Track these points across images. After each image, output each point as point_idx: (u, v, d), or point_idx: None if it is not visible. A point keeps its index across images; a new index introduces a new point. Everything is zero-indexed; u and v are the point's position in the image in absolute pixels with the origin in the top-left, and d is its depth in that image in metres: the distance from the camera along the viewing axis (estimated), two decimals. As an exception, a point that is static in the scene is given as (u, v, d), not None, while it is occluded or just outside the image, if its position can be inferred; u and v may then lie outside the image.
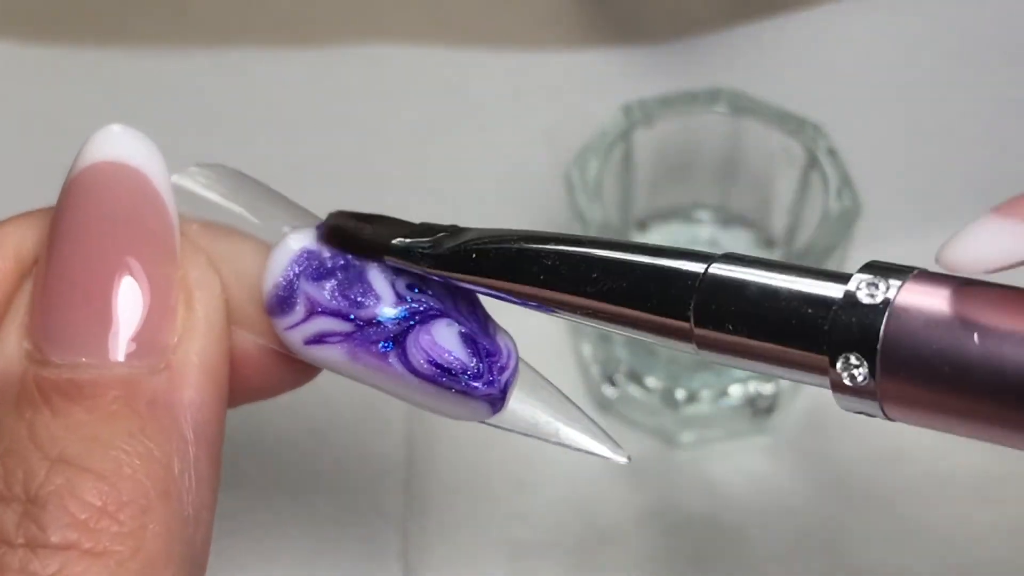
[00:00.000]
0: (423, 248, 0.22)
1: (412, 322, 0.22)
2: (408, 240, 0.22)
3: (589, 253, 0.21)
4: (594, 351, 0.37)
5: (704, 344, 0.20)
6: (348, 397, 0.37)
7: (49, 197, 0.43)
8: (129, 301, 0.20)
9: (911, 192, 0.42)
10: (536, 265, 0.21)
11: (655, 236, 0.39)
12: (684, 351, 0.20)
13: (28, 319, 0.20)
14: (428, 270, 0.22)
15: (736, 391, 0.36)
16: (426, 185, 0.43)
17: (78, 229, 0.20)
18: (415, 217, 0.41)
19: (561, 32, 0.46)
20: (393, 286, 0.22)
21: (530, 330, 0.39)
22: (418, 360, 0.22)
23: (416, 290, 0.22)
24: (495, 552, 0.35)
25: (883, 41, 0.45)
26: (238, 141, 0.44)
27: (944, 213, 0.41)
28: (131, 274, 0.20)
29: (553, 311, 0.21)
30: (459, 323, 0.22)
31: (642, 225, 0.39)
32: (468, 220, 0.41)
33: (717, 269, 0.20)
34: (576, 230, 0.34)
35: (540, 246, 0.21)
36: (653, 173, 0.37)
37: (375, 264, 0.22)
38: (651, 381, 0.36)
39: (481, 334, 0.22)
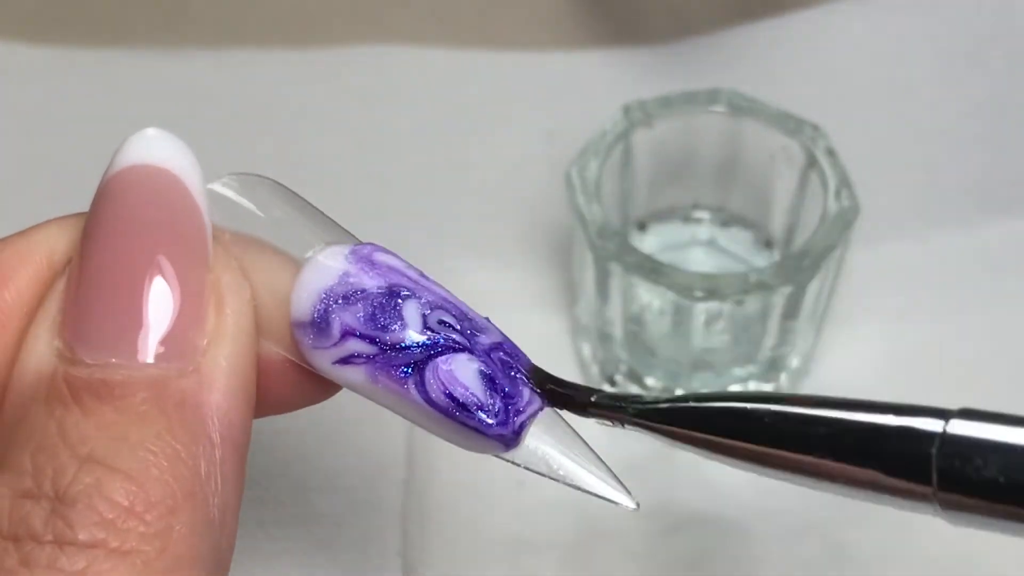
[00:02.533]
0: (629, 401, 0.22)
1: (435, 351, 0.22)
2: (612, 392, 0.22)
3: (818, 415, 0.21)
4: (594, 351, 0.37)
5: (949, 506, 0.19)
6: (348, 396, 0.37)
7: (49, 196, 0.43)
8: (160, 303, 0.20)
9: (910, 193, 0.42)
10: (761, 424, 0.21)
11: (654, 236, 0.39)
12: (925, 513, 0.19)
13: (60, 318, 0.20)
14: (637, 420, 0.22)
15: (735, 391, 0.36)
16: (426, 185, 0.43)
17: (111, 230, 0.20)
18: (413, 216, 0.42)
19: (561, 33, 0.47)
20: (424, 317, 0.22)
21: (530, 329, 0.39)
22: (435, 390, 0.22)
23: (447, 325, 0.22)
24: (494, 550, 0.35)
25: (882, 41, 0.45)
26: (238, 141, 0.44)
27: (943, 214, 0.41)
28: (163, 276, 0.20)
29: (779, 474, 0.21)
30: (481, 361, 0.22)
31: (641, 225, 0.39)
32: (468, 219, 0.42)
33: (956, 428, 0.19)
34: (576, 230, 0.34)
35: (760, 406, 0.21)
36: (652, 173, 0.38)
37: (409, 293, 0.22)
38: (651, 381, 0.36)
39: (502, 376, 0.22)
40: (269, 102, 0.45)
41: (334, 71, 0.46)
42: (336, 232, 0.23)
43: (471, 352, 0.22)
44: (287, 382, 0.22)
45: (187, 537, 0.19)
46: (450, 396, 0.22)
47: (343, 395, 0.37)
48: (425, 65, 0.46)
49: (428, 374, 0.22)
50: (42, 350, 0.20)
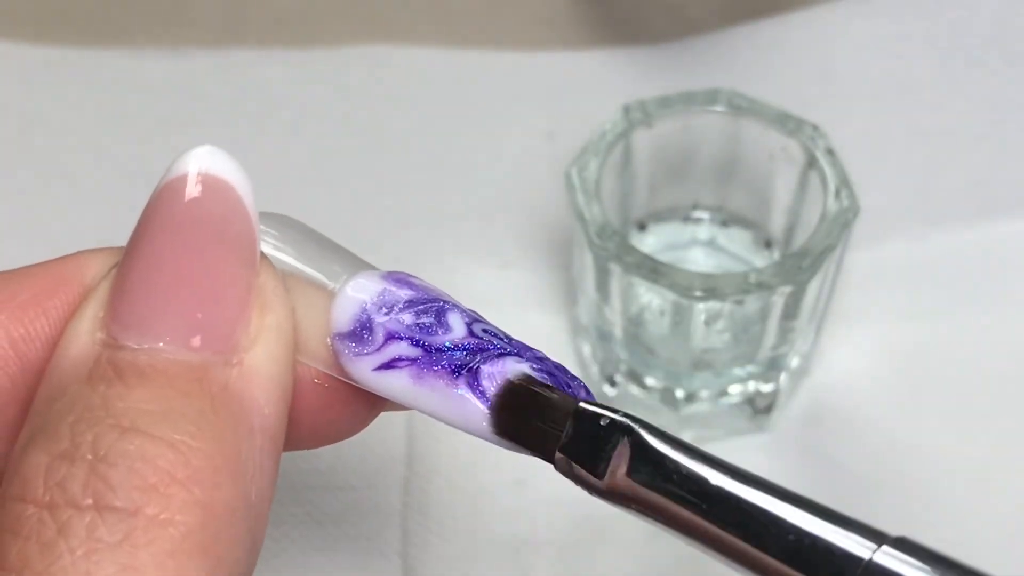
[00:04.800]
0: (586, 472, 0.22)
1: (482, 355, 0.22)
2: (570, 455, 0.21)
3: (758, 507, 0.20)
4: (594, 351, 0.37)
5: None
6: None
7: (49, 197, 0.43)
8: (209, 297, 0.20)
9: (910, 192, 0.42)
10: (704, 506, 0.20)
11: (654, 236, 0.39)
12: None
13: (104, 312, 0.20)
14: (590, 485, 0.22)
15: (735, 390, 0.36)
16: (426, 185, 0.43)
17: (166, 225, 0.21)
18: (413, 216, 0.42)
19: (560, 33, 0.47)
20: (468, 325, 0.22)
21: (530, 329, 0.39)
22: (490, 384, 0.22)
23: (491, 333, 0.22)
24: (494, 549, 0.35)
25: (882, 41, 0.45)
26: (238, 141, 0.44)
27: (942, 214, 0.41)
28: (214, 272, 0.20)
29: (706, 549, 0.21)
30: (530, 363, 0.22)
31: (641, 225, 0.39)
32: (468, 220, 0.42)
33: (882, 557, 0.18)
34: (576, 230, 0.34)
35: (719, 485, 0.20)
36: (652, 173, 0.38)
37: (451, 305, 0.22)
38: (651, 381, 0.37)
39: (557, 371, 0.22)
40: (269, 102, 0.45)
41: (334, 71, 0.46)
42: (363, 264, 0.23)
43: (520, 356, 0.22)
44: (320, 405, 0.22)
45: (228, 515, 0.19)
46: None
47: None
48: (425, 65, 0.46)
49: (482, 370, 0.22)
50: (84, 339, 0.20)
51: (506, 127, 0.44)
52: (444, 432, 0.37)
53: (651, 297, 0.34)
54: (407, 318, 0.22)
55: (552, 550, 0.35)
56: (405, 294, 0.22)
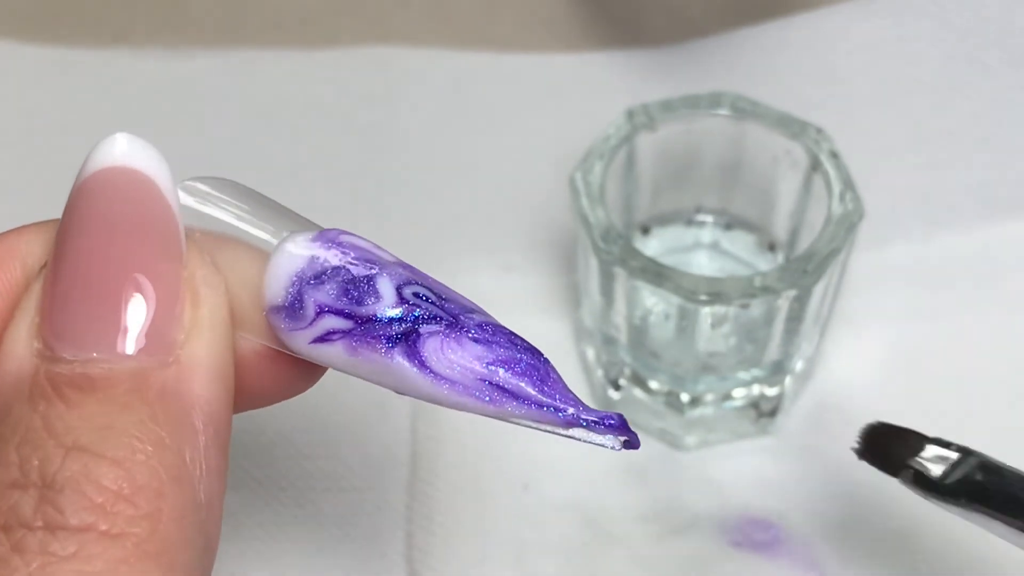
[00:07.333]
0: (936, 476, 0.26)
1: (417, 323, 0.22)
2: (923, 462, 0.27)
3: None
4: (598, 355, 0.37)
5: None
6: (352, 396, 0.37)
7: (49, 196, 0.43)
8: (137, 299, 0.20)
9: (914, 195, 0.42)
10: None
11: (657, 239, 0.39)
12: None
13: (38, 319, 0.21)
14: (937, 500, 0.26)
15: (740, 394, 0.36)
16: (428, 188, 0.43)
17: (87, 229, 0.21)
18: (415, 219, 0.42)
19: (564, 36, 0.46)
20: (398, 290, 0.22)
21: (533, 333, 0.39)
22: (432, 359, 0.22)
23: (423, 298, 0.22)
24: (499, 553, 0.35)
25: (886, 44, 0.45)
26: (238, 142, 0.44)
27: (947, 217, 0.41)
28: (139, 272, 0.21)
29: None
30: (472, 331, 0.22)
31: (644, 229, 0.39)
32: (470, 224, 0.42)
33: None
34: (580, 234, 0.34)
35: None
36: (656, 176, 0.37)
37: (381, 268, 0.22)
38: (655, 384, 0.36)
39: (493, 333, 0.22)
40: (270, 102, 0.45)
41: (335, 72, 0.46)
42: (300, 222, 0.23)
43: (457, 322, 0.22)
44: (266, 372, 0.23)
45: (176, 520, 0.19)
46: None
47: (347, 396, 0.37)
48: (427, 67, 0.46)
49: (420, 338, 0.22)
50: (22, 351, 0.20)
51: (509, 130, 0.44)
52: (448, 434, 0.37)
53: (656, 301, 0.34)
54: (336, 288, 0.22)
55: (557, 554, 0.35)
56: (335, 259, 0.22)
